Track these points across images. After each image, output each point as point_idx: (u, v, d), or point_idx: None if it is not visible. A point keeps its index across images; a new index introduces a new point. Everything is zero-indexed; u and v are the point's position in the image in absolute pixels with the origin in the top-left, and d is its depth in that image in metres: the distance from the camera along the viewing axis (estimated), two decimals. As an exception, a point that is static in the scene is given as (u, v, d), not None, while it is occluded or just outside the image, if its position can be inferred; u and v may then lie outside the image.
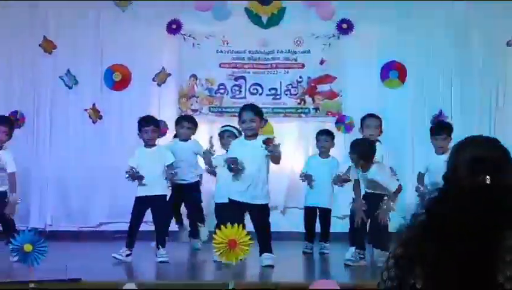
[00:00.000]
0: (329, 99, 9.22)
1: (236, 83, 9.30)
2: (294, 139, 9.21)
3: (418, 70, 9.03)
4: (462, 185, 1.80)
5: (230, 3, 9.15)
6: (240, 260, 5.48)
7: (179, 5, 9.09)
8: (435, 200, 1.84)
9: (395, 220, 7.53)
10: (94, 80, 9.16)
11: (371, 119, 7.28)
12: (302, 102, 9.24)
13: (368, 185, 6.91)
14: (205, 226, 7.73)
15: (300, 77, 9.26)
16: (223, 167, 6.77)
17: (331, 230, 7.84)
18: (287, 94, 9.27)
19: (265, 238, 6.50)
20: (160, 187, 6.99)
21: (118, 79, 9.13)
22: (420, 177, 7.49)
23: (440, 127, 7.35)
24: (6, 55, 9.22)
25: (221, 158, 6.94)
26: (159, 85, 9.19)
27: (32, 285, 5.18)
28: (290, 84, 9.28)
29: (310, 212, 7.87)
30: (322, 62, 9.22)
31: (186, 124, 7.84)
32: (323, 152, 7.94)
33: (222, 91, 9.30)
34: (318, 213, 7.84)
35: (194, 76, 9.29)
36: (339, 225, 8.12)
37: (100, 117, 9.11)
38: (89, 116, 9.09)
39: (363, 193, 6.95)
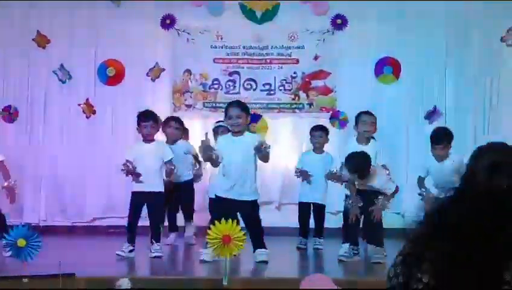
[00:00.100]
0: (324, 95, 9.22)
1: (231, 78, 9.29)
2: (289, 134, 9.22)
3: (412, 66, 9.04)
4: (479, 187, 1.82)
5: (224, -2, 9.16)
6: (234, 255, 5.48)
7: (173, 0, 9.08)
8: (451, 199, 1.85)
9: (389, 217, 7.62)
10: (88, 75, 9.15)
11: (367, 115, 7.23)
12: (296, 97, 9.24)
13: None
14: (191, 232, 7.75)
15: (294, 73, 9.26)
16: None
17: (325, 226, 7.85)
18: (281, 89, 9.27)
19: (257, 234, 6.48)
20: (156, 184, 6.95)
21: (111, 74, 9.12)
22: (420, 181, 7.46)
23: (439, 137, 7.28)
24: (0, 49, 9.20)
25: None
26: (152, 80, 9.18)
27: (25, 280, 5.17)
28: (284, 79, 9.27)
29: (304, 208, 7.87)
30: (316, 58, 9.22)
31: (174, 123, 7.81)
32: (318, 148, 7.94)
33: (216, 86, 9.29)
34: (312, 209, 7.84)
35: (188, 71, 9.27)
36: (333, 220, 8.12)
37: (94, 112, 9.10)
38: (83, 111, 9.08)
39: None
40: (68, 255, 6.25)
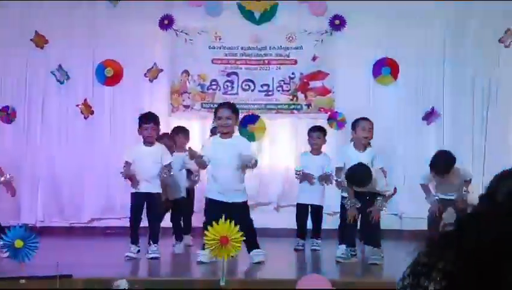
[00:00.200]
0: (322, 96, 9.22)
1: (229, 78, 9.29)
2: (287, 135, 9.22)
3: (410, 67, 9.03)
4: (499, 208, 1.83)
5: (222, -1, 9.16)
6: (232, 257, 5.48)
7: (171, 0, 9.08)
8: (471, 215, 1.86)
9: (387, 218, 7.62)
10: (86, 75, 9.13)
11: (366, 121, 7.13)
12: (295, 98, 9.24)
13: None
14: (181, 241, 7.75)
15: (292, 73, 9.26)
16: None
17: (322, 227, 7.85)
18: (279, 90, 9.27)
19: (250, 235, 6.45)
20: (155, 185, 6.95)
21: (109, 74, 9.10)
22: (425, 187, 7.51)
23: (440, 169, 7.29)
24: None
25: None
26: (150, 81, 9.17)
27: (22, 281, 5.17)
28: (283, 80, 9.27)
29: (301, 209, 7.87)
30: (314, 58, 9.21)
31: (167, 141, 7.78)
32: (315, 149, 7.93)
33: (214, 87, 9.28)
34: (310, 210, 7.84)
35: (186, 72, 9.27)
36: (330, 221, 8.10)
37: (92, 112, 9.09)
38: (81, 111, 9.07)
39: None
40: (65, 256, 6.24)
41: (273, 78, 9.27)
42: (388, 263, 6.57)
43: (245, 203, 6.63)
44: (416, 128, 9.02)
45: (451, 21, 9.07)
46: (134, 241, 6.82)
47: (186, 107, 9.21)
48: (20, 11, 9.14)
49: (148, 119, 6.98)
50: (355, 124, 7.13)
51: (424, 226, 7.50)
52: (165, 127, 7.99)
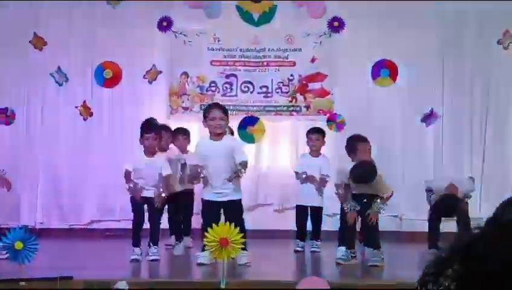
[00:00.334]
0: (321, 98, 9.22)
1: (228, 80, 9.29)
2: (286, 137, 9.22)
3: (409, 69, 9.02)
4: (503, 232, 1.85)
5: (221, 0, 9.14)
6: (232, 258, 5.48)
7: (170, 2, 9.07)
8: (477, 238, 1.89)
9: (387, 220, 7.64)
10: (85, 77, 9.12)
11: (364, 143, 7.06)
12: (294, 100, 9.24)
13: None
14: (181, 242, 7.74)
15: (291, 75, 9.26)
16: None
17: (322, 228, 7.85)
18: (278, 92, 9.27)
19: None
20: (154, 191, 6.95)
21: (108, 76, 9.08)
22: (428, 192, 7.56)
23: (440, 214, 7.34)
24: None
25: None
26: (149, 82, 9.16)
27: (22, 283, 5.16)
28: (281, 82, 9.27)
29: (301, 211, 7.87)
30: (313, 60, 9.22)
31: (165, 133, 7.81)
32: (314, 151, 7.93)
33: (213, 89, 9.28)
34: (310, 211, 7.84)
35: (185, 73, 9.27)
36: (329, 223, 8.11)
37: (91, 114, 9.08)
38: (80, 113, 9.05)
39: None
40: (65, 257, 6.25)
41: (272, 80, 9.27)
42: (388, 264, 6.58)
43: (239, 201, 6.62)
44: (415, 130, 9.02)
45: (449, 23, 9.07)
46: (138, 244, 6.81)
47: (185, 109, 9.21)
48: (19, 13, 9.13)
49: (149, 129, 6.97)
50: (353, 146, 7.04)
51: (424, 228, 7.50)
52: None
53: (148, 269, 6.59)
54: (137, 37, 9.11)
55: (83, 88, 9.14)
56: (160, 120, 8.36)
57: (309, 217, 7.86)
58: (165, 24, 9.16)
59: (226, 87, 9.28)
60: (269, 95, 9.27)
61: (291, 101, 9.24)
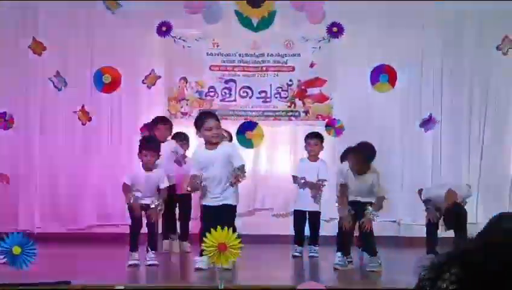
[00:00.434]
0: (320, 103, 9.23)
1: (227, 85, 9.30)
2: (285, 142, 9.23)
3: (408, 74, 9.02)
4: (493, 248, 1.87)
5: (221, 4, 9.13)
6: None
7: (169, 7, 9.06)
8: (471, 250, 1.91)
9: (385, 225, 7.63)
10: (84, 82, 9.10)
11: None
12: (292, 105, 9.25)
13: (354, 192, 6.86)
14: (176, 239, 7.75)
15: (290, 80, 9.27)
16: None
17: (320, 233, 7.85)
18: (277, 97, 9.28)
19: None
20: (153, 199, 6.97)
21: (107, 81, 9.04)
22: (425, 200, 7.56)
23: (450, 227, 7.35)
24: (-5, 56, 9.21)
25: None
26: (148, 87, 9.14)
27: (21, 288, 5.16)
28: (280, 87, 9.28)
29: (299, 216, 7.86)
30: (312, 65, 9.22)
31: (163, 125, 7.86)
32: (313, 155, 7.94)
33: (212, 94, 9.29)
34: (307, 216, 7.83)
35: (184, 78, 9.28)
36: (327, 228, 8.10)
37: (89, 119, 9.05)
38: (78, 118, 9.03)
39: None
40: (63, 262, 6.24)
41: (271, 85, 9.29)
42: (386, 269, 6.58)
43: (234, 207, 6.62)
44: (413, 135, 9.02)
45: (449, 29, 9.08)
46: (135, 249, 6.81)
47: (184, 114, 9.22)
48: (18, 17, 9.14)
49: (148, 145, 6.96)
50: (345, 157, 7.14)
51: (422, 233, 7.50)
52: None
53: (146, 274, 6.58)
54: (136, 42, 9.12)
55: (82, 93, 9.12)
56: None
57: (307, 222, 7.86)
58: (164, 29, 9.13)
59: (225, 92, 9.29)
60: (268, 100, 9.28)
61: (290, 106, 9.25)
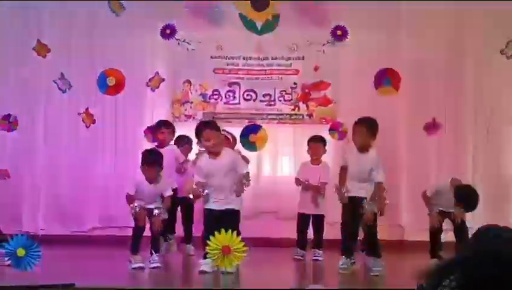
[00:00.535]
0: (324, 106, 9.23)
1: (230, 88, 9.30)
2: (288, 145, 9.22)
3: (412, 78, 8.99)
4: (485, 258, 1.89)
5: (225, 6, 9.14)
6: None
7: (173, 10, 9.08)
8: (468, 262, 1.93)
9: (389, 229, 7.61)
10: (88, 84, 9.10)
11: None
12: (296, 108, 9.25)
13: (354, 174, 6.83)
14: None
15: (294, 83, 9.27)
16: None
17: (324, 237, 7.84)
18: (281, 100, 9.28)
19: None
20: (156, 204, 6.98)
21: (111, 84, 9.05)
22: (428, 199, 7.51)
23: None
24: (0, 58, 9.21)
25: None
26: (152, 90, 9.14)
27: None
28: (284, 90, 9.28)
29: (303, 219, 7.86)
30: (316, 68, 9.22)
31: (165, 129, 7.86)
32: (315, 159, 7.94)
33: (216, 97, 9.30)
34: (311, 220, 7.82)
35: (188, 81, 9.29)
36: (331, 231, 8.08)
37: (94, 121, 9.07)
38: (83, 120, 9.05)
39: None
40: (67, 264, 6.24)
41: (275, 88, 9.29)
42: (390, 273, 6.56)
43: (237, 211, 6.64)
44: (417, 139, 9.00)
45: (453, 32, 9.07)
46: (136, 252, 6.80)
47: (188, 116, 9.22)
48: (22, 20, 9.15)
49: (151, 159, 6.92)
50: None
51: (425, 237, 7.48)
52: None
53: (149, 277, 6.58)
54: (140, 45, 9.14)
55: (86, 95, 9.14)
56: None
57: (310, 226, 7.85)
58: (168, 32, 9.14)
59: (229, 95, 9.29)
60: (272, 103, 9.28)
61: (294, 110, 9.25)
